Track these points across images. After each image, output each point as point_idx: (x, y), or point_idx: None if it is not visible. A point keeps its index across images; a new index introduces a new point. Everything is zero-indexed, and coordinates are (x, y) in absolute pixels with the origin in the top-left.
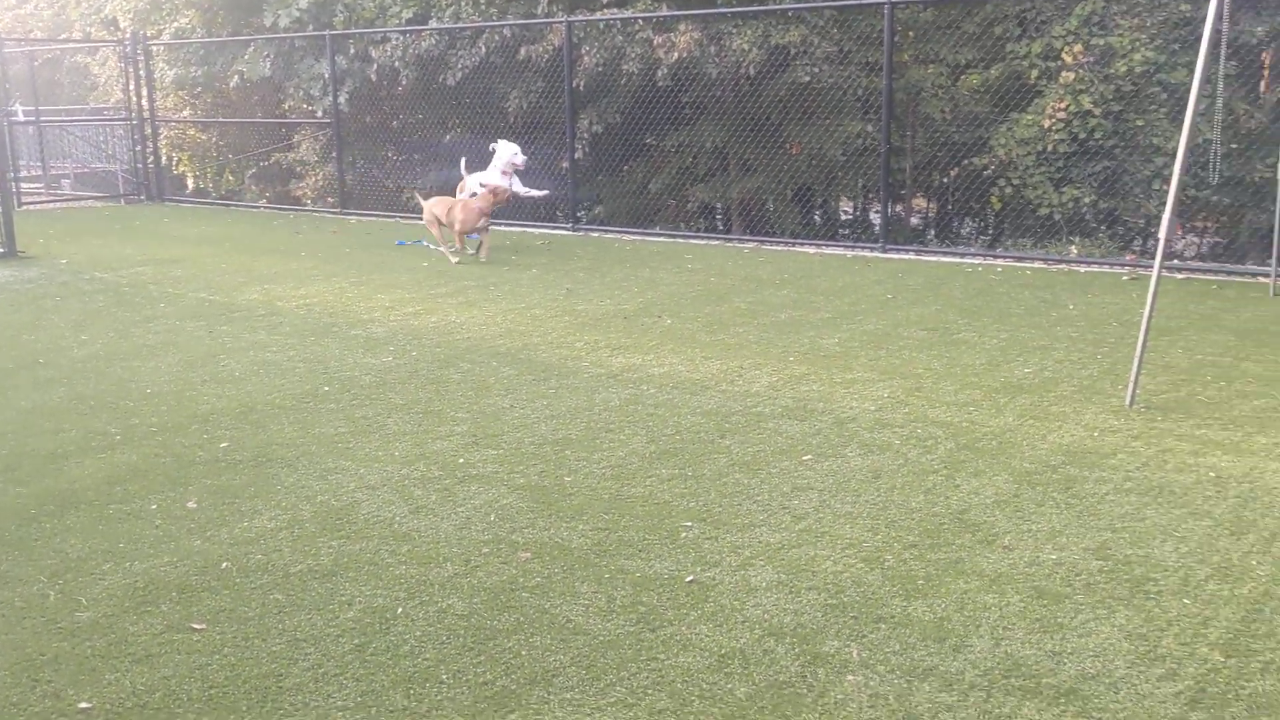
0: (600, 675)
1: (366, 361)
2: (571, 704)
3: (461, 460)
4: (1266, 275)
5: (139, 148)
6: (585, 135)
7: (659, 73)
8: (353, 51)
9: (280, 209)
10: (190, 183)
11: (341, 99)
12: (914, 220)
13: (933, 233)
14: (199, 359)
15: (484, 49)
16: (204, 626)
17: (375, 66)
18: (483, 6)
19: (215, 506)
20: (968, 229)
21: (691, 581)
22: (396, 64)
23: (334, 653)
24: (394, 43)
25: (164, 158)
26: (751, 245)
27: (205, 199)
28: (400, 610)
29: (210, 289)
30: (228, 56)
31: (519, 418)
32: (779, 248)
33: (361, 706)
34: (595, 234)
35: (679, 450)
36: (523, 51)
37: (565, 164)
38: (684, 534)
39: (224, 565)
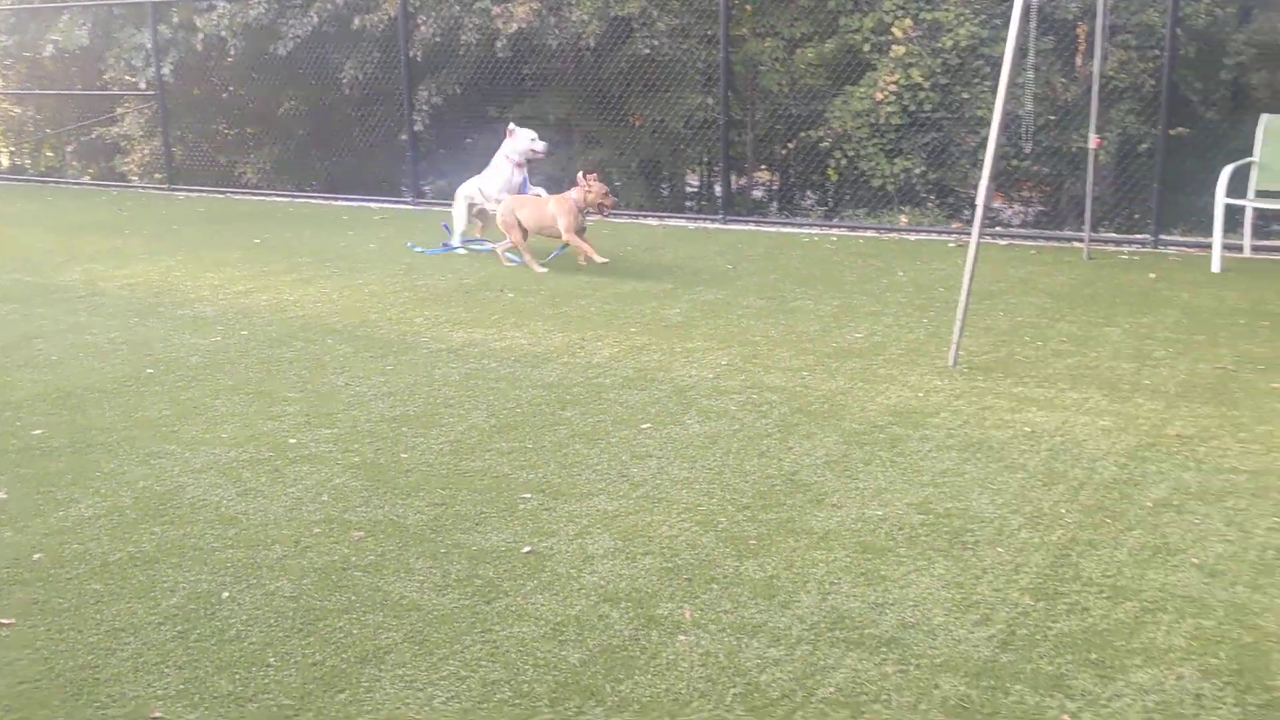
0: (433, 650)
1: (193, 342)
2: (403, 680)
3: (293, 441)
4: (1081, 241)
5: None
6: (425, 107)
7: (498, 44)
8: (176, 20)
9: (104, 185)
10: (5, 159)
11: (165, 70)
12: (757, 193)
13: (776, 204)
14: (12, 343)
15: (316, 18)
16: (13, 621)
17: (201, 36)
18: None
19: (28, 496)
20: (809, 200)
21: (529, 552)
22: (223, 33)
23: (155, 641)
24: (220, 10)
25: None
26: (595, 218)
27: (22, 176)
28: (226, 595)
29: (27, 269)
30: (40, 24)
31: (354, 396)
32: (624, 220)
33: (184, 694)
34: (437, 208)
35: (519, 423)
36: (356, 21)
37: (404, 136)
38: (522, 506)
39: (36, 557)
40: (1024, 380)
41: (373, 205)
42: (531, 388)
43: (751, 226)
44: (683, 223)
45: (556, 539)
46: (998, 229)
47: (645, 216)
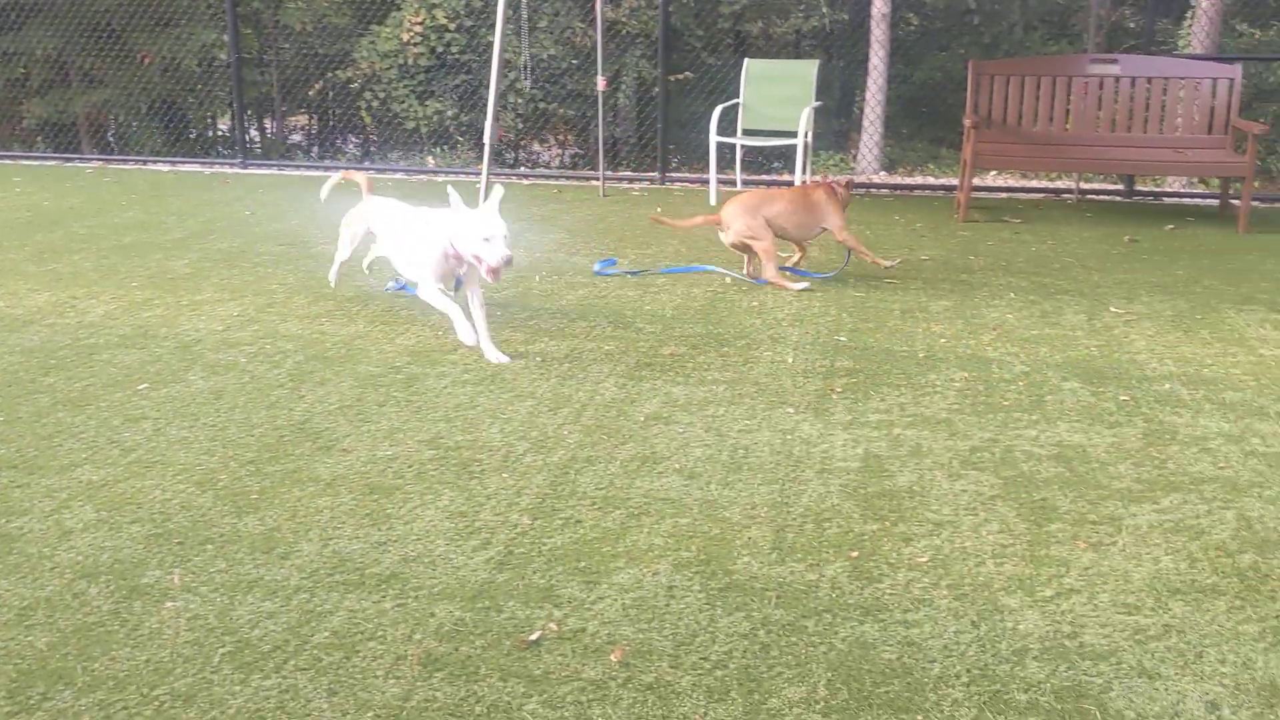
0: None
1: None
2: None
3: None
4: (598, 179)
5: None
6: None
7: None
8: None
9: None
10: None
11: None
12: (297, 137)
13: (317, 149)
14: None
15: None
16: None
17: None
18: None
19: None
20: (351, 145)
21: None
22: None
23: None
24: None
25: None
26: (96, 164)
27: None
28: None
29: None
30: None
31: None
32: (130, 166)
33: None
34: None
35: None
36: None
37: None
38: None
39: None
40: (538, 314)
41: None
42: (9, 355)
43: (274, 170)
44: (197, 168)
45: (29, 517)
46: (522, 169)
47: (154, 162)
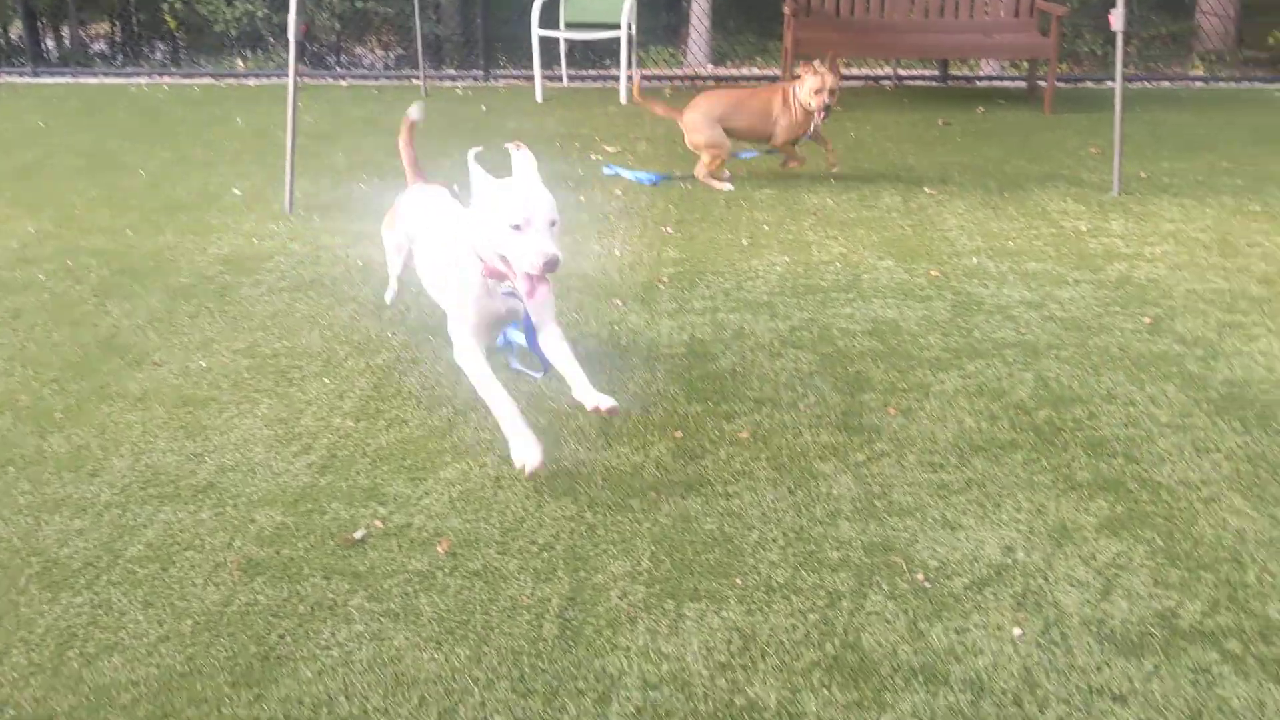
0: None
1: None
2: None
3: None
4: (419, 79)
5: None
6: None
7: None
8: None
9: None
10: None
11: None
12: (100, 45)
13: (121, 57)
14: None
15: None
16: None
17: None
18: None
19: None
20: (159, 52)
21: None
22: None
23: None
24: None
25: None
26: None
27: None
28: None
29: None
30: None
31: None
32: None
33: None
34: None
35: None
36: None
37: None
38: None
39: None
40: (361, 217)
41: None
42: None
43: (69, 79)
44: None
45: None
46: (339, 70)
47: None
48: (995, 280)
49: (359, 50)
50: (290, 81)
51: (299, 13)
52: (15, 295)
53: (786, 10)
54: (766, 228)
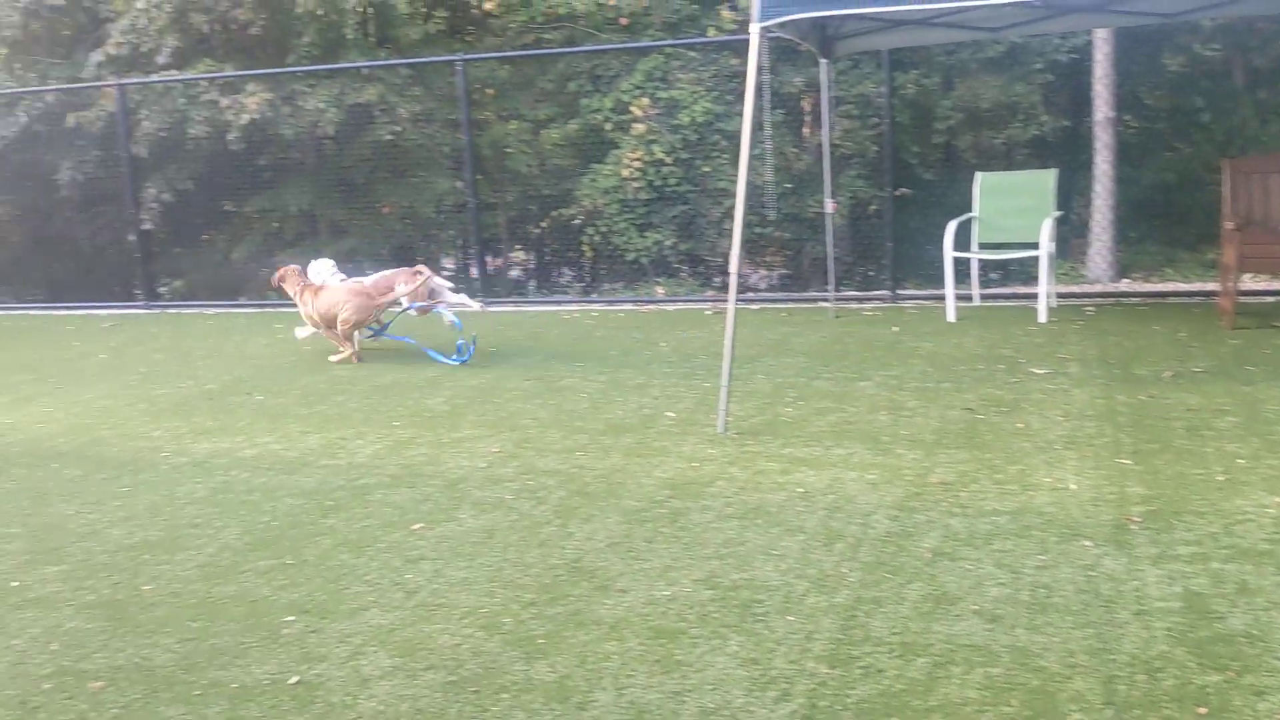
0: None
1: None
2: None
3: (15, 584)
4: (827, 300)
5: None
6: (154, 205)
7: (230, 135)
8: None
9: None
10: None
11: None
12: (515, 273)
13: (534, 283)
14: None
15: (24, 116)
16: None
17: None
18: (19, 71)
19: None
20: (566, 278)
21: (296, 683)
22: None
23: None
24: None
25: None
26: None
27: None
28: None
29: None
30: None
31: (85, 525)
32: None
33: None
34: (174, 310)
35: (277, 538)
36: (71, 118)
37: (132, 237)
38: (285, 631)
39: None
40: (791, 441)
41: (101, 312)
42: (288, 497)
43: (510, 308)
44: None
45: (327, 663)
46: (749, 294)
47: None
48: None
49: (745, 269)
50: (730, 309)
51: (740, 246)
52: (488, 514)
53: (1229, 225)
54: (1241, 461)
